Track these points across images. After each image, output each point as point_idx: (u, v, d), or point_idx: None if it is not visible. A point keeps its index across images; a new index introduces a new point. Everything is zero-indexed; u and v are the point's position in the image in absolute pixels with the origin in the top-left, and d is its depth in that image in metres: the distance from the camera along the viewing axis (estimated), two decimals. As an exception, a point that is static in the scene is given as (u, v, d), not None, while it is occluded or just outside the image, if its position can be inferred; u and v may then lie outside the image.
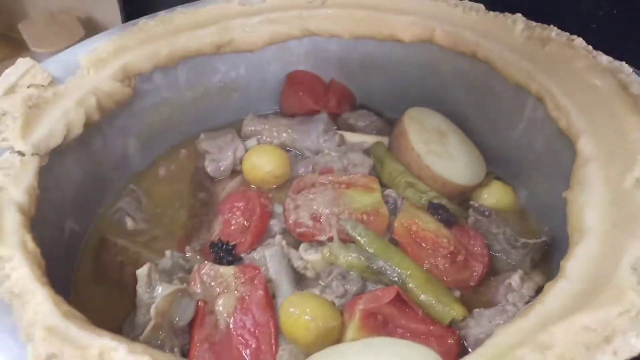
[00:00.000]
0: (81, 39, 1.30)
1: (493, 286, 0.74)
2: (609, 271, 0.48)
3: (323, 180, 0.84)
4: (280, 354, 0.65)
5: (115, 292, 0.75)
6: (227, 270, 0.71)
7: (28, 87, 0.72)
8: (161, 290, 0.66)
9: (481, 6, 0.86)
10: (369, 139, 0.95)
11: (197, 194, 0.89)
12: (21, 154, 0.66)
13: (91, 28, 1.56)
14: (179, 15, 0.88)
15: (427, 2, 0.89)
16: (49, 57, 0.81)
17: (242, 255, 0.76)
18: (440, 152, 0.86)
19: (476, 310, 0.68)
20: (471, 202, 0.80)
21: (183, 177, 0.93)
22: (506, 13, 0.84)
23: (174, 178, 0.93)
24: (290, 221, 0.79)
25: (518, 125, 0.83)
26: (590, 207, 0.57)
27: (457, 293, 0.73)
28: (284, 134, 0.96)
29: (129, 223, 0.84)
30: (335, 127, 0.98)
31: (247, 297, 0.69)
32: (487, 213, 0.78)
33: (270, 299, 0.70)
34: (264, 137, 0.96)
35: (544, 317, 0.46)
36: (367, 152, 0.92)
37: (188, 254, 0.77)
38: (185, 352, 0.65)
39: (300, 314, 0.65)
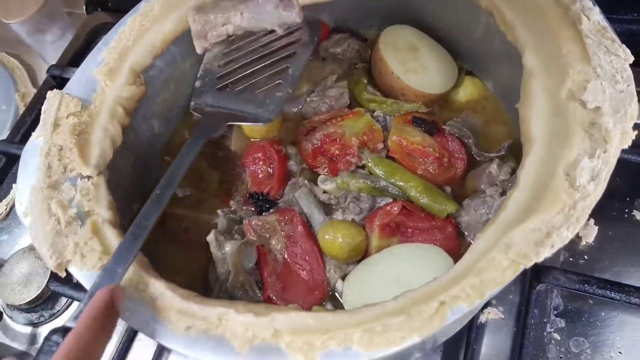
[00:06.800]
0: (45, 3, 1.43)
1: (476, 177, 0.93)
2: (549, 177, 0.66)
3: (321, 120, 1.00)
4: (328, 268, 0.88)
5: (186, 252, 0.95)
6: (271, 217, 0.91)
7: (67, 118, 0.86)
8: (229, 248, 0.87)
9: None
10: None
11: (217, 153, 1.06)
12: (90, 177, 0.83)
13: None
14: (156, 4, 0.96)
15: None
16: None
17: (277, 200, 0.96)
18: (417, 68, 0.99)
19: (465, 202, 0.89)
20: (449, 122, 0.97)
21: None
22: None
23: (197, 141, 1.09)
24: (311, 160, 0.98)
25: (477, 29, 0.95)
26: (535, 118, 0.72)
27: (448, 189, 0.92)
28: (237, 19, 0.93)
29: (179, 191, 1.02)
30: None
31: (291, 233, 0.90)
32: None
33: (309, 230, 0.91)
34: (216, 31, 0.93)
35: (506, 223, 0.65)
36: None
37: (233, 207, 0.97)
38: (260, 285, 0.88)
39: (334, 238, 0.86)
